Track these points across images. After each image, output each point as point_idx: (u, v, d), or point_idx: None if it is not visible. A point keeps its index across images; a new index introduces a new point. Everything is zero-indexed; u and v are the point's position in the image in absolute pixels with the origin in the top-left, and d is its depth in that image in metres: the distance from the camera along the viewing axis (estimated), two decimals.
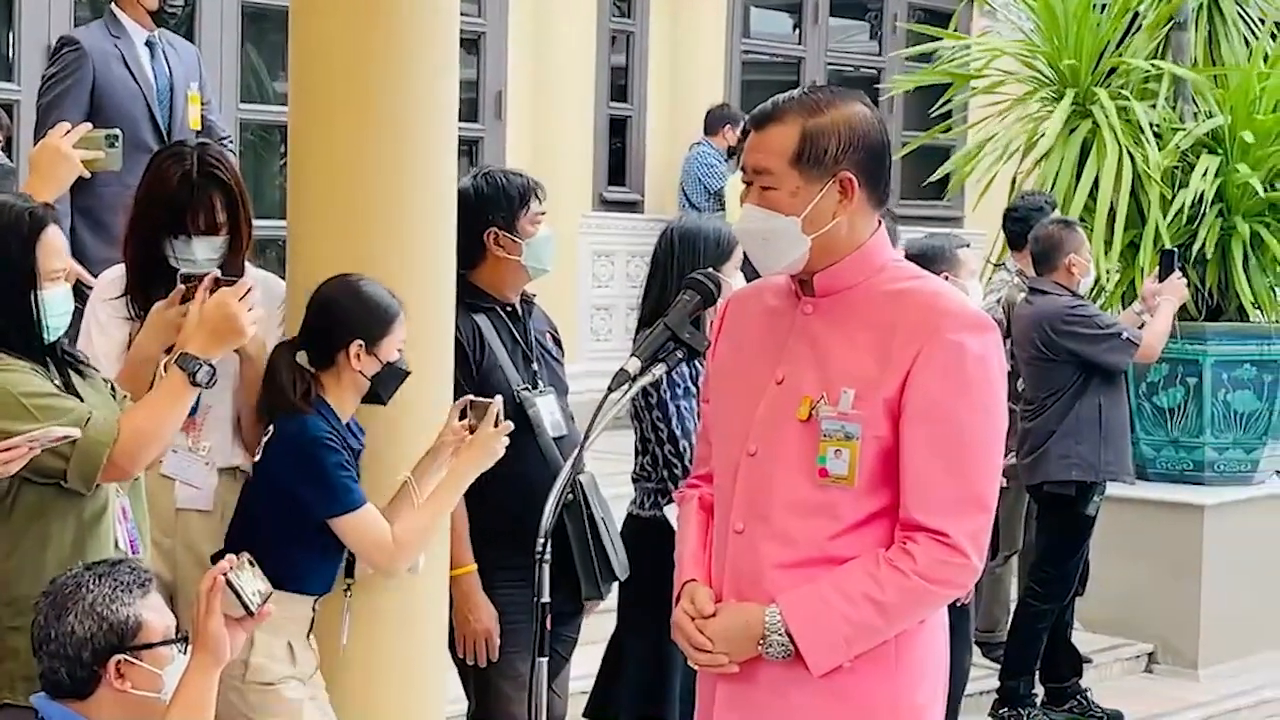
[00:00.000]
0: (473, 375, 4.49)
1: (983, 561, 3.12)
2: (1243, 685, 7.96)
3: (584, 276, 11.23)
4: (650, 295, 4.92)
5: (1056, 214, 7.55)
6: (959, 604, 5.72)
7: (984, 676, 6.91)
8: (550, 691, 4.19)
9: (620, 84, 11.90)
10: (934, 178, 9.42)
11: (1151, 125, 8.35)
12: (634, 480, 5.04)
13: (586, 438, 2.98)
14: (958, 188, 9.66)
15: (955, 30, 9.71)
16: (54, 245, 3.57)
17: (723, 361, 3.14)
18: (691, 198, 11.20)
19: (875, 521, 3.10)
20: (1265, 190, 8.30)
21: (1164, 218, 8.17)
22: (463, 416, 4.13)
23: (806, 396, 3.10)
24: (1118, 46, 8.73)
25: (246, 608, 3.33)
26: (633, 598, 4.81)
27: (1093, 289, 7.63)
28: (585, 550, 4.51)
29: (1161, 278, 7.37)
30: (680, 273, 4.62)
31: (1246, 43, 8.89)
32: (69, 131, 4.08)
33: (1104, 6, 8.78)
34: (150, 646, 3.23)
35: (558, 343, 4.87)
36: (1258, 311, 8.48)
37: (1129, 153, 8.25)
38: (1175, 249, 7.70)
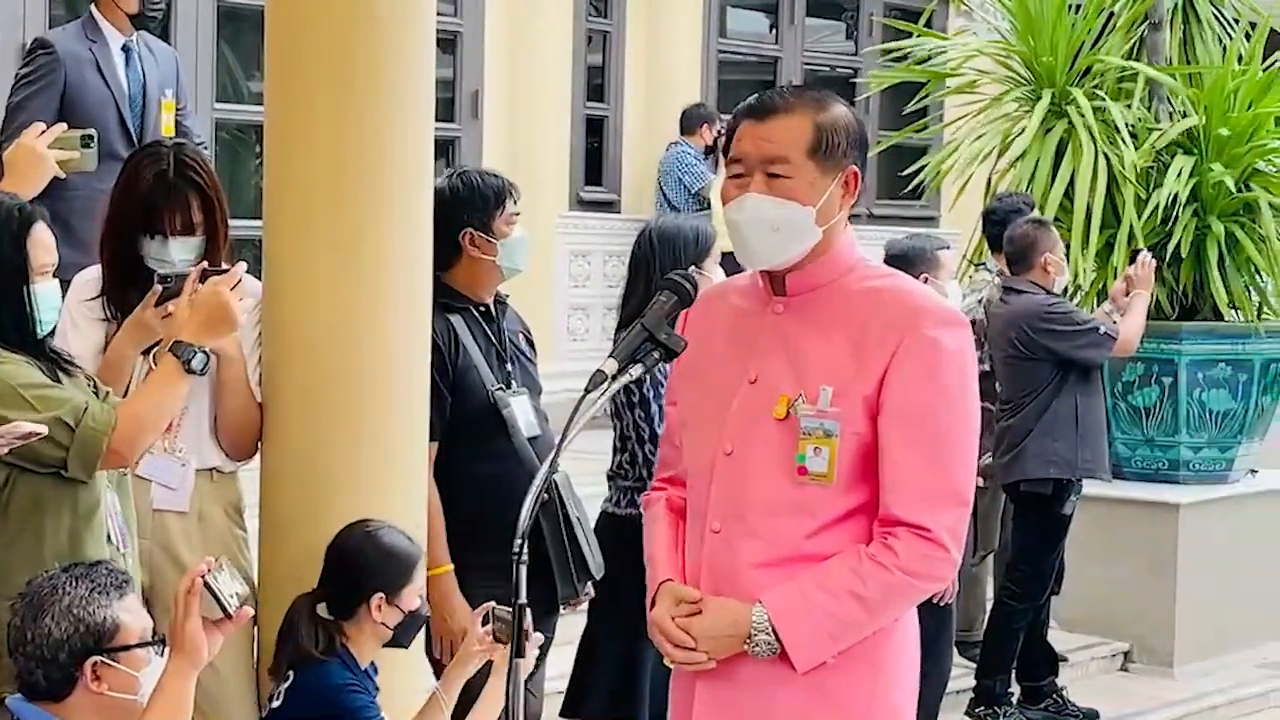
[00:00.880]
0: (448, 375, 4.49)
1: (961, 555, 3.14)
2: (1218, 683, 7.98)
3: (561, 277, 11.23)
4: (633, 296, 4.92)
5: (1034, 213, 7.57)
6: (940, 603, 5.78)
7: (961, 675, 6.92)
8: (526, 691, 4.18)
9: (597, 84, 11.90)
10: (909, 173, 9.41)
11: (1127, 125, 8.37)
12: (610, 478, 5.05)
13: (564, 438, 2.97)
14: (935, 189, 9.68)
15: (931, 30, 9.69)
16: (43, 240, 3.62)
17: (690, 363, 3.15)
18: (670, 197, 11.20)
19: (854, 518, 3.12)
20: (1240, 190, 8.33)
21: (1139, 218, 8.19)
22: (485, 622, 4.12)
23: (783, 395, 3.11)
24: (1093, 46, 8.75)
25: (225, 610, 3.33)
26: (607, 596, 4.81)
27: (1068, 288, 7.64)
28: (561, 550, 4.50)
29: None
30: (662, 272, 4.63)
31: (1221, 42, 8.92)
32: (44, 131, 4.07)
33: (1079, 7, 8.80)
34: (127, 648, 3.23)
35: (530, 343, 4.87)
36: (1232, 311, 8.50)
37: (1104, 153, 8.27)
38: (1144, 249, 7.72)
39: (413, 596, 3.98)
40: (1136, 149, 8.33)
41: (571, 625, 5.18)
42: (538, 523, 4.37)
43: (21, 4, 8.71)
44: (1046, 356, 6.95)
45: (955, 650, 6.58)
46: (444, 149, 10.56)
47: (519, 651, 2.98)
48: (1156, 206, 8.14)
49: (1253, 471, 8.68)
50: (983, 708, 7.07)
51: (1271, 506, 8.61)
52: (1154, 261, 7.50)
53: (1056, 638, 7.58)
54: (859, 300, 3.15)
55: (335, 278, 4.11)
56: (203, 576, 3.31)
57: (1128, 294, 7.35)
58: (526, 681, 3.91)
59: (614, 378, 3.01)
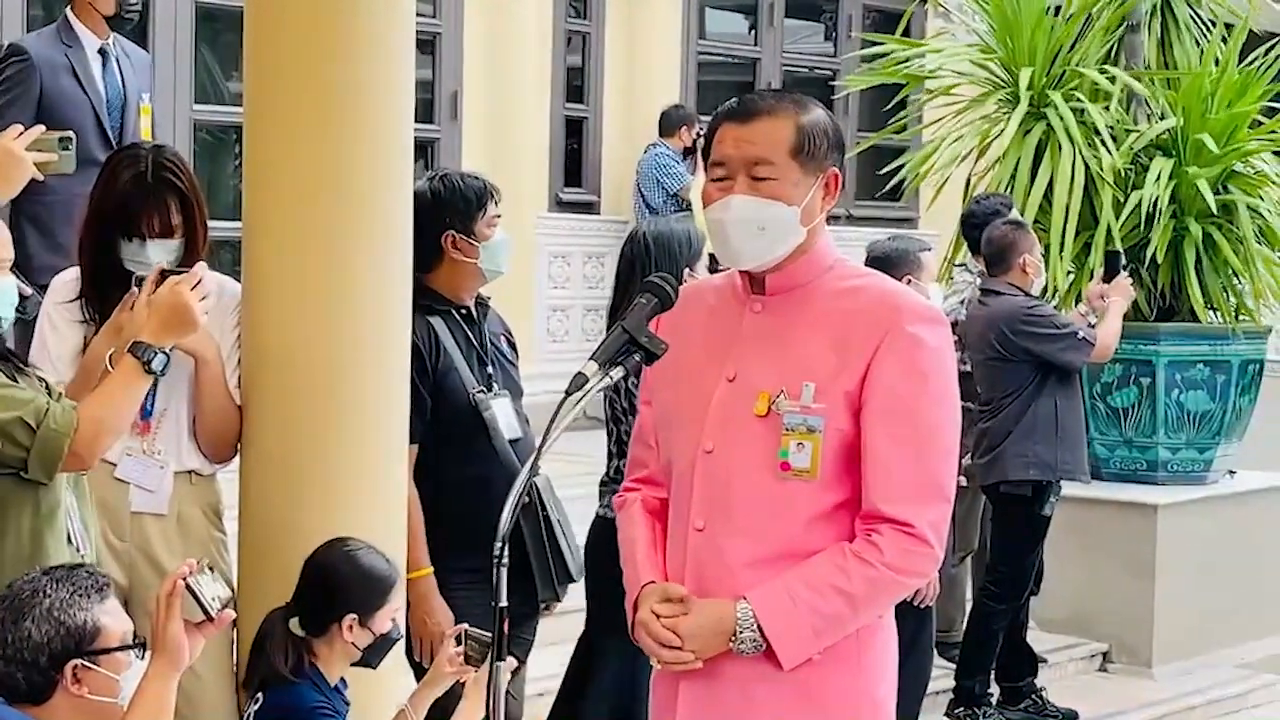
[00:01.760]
0: (429, 378, 4.48)
1: (943, 549, 3.16)
2: (1196, 684, 8.01)
3: (540, 278, 11.22)
4: (627, 299, 4.89)
5: (1014, 216, 7.58)
6: (921, 604, 5.79)
7: (940, 676, 6.93)
8: (507, 695, 4.18)
9: (576, 85, 11.90)
10: (887, 173, 9.43)
11: (1107, 128, 8.39)
12: (604, 484, 5.01)
13: (545, 441, 2.97)
14: (914, 190, 9.70)
15: (910, 33, 9.72)
16: (2, 235, 3.58)
17: (666, 362, 3.14)
18: (649, 199, 11.21)
19: (837, 514, 3.13)
20: (1220, 192, 8.35)
21: (1116, 220, 8.21)
22: (458, 643, 4.10)
23: (763, 392, 3.13)
24: (1071, 49, 8.77)
25: (206, 613, 3.32)
26: (605, 600, 4.79)
27: (1045, 290, 7.66)
28: (541, 552, 4.50)
29: (1107, 279, 7.42)
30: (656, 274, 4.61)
31: (1199, 44, 8.95)
32: (22, 133, 4.06)
33: (1058, 9, 8.82)
34: (108, 651, 3.22)
35: (512, 345, 4.86)
36: (1210, 313, 8.53)
37: (1082, 155, 8.29)
38: (1120, 250, 7.75)
39: (385, 619, 3.95)
40: (1115, 151, 8.35)
41: (553, 630, 5.17)
42: (518, 525, 4.37)
43: None
44: (1026, 358, 6.96)
45: (935, 651, 6.59)
46: (423, 150, 10.55)
47: (500, 654, 2.98)
48: (1134, 209, 8.16)
49: (1231, 472, 8.71)
50: (962, 708, 7.07)
51: (1249, 507, 8.64)
52: (1130, 280, 7.52)
53: (1035, 638, 7.59)
54: (839, 298, 3.17)
55: (314, 280, 4.10)
56: (184, 579, 3.30)
57: (1102, 296, 7.37)
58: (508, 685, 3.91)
59: (593, 380, 3.01)
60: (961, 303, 7.40)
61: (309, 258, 4.10)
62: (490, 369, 4.65)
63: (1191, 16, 9.04)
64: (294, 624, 3.93)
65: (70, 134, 4.15)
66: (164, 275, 3.87)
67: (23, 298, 4.27)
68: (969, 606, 7.38)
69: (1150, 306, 8.51)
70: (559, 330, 11.34)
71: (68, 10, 6.51)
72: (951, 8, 9.96)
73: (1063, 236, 8.19)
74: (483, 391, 4.58)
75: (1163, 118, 8.54)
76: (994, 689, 7.19)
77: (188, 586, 3.30)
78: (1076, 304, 7.95)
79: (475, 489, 4.43)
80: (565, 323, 11.41)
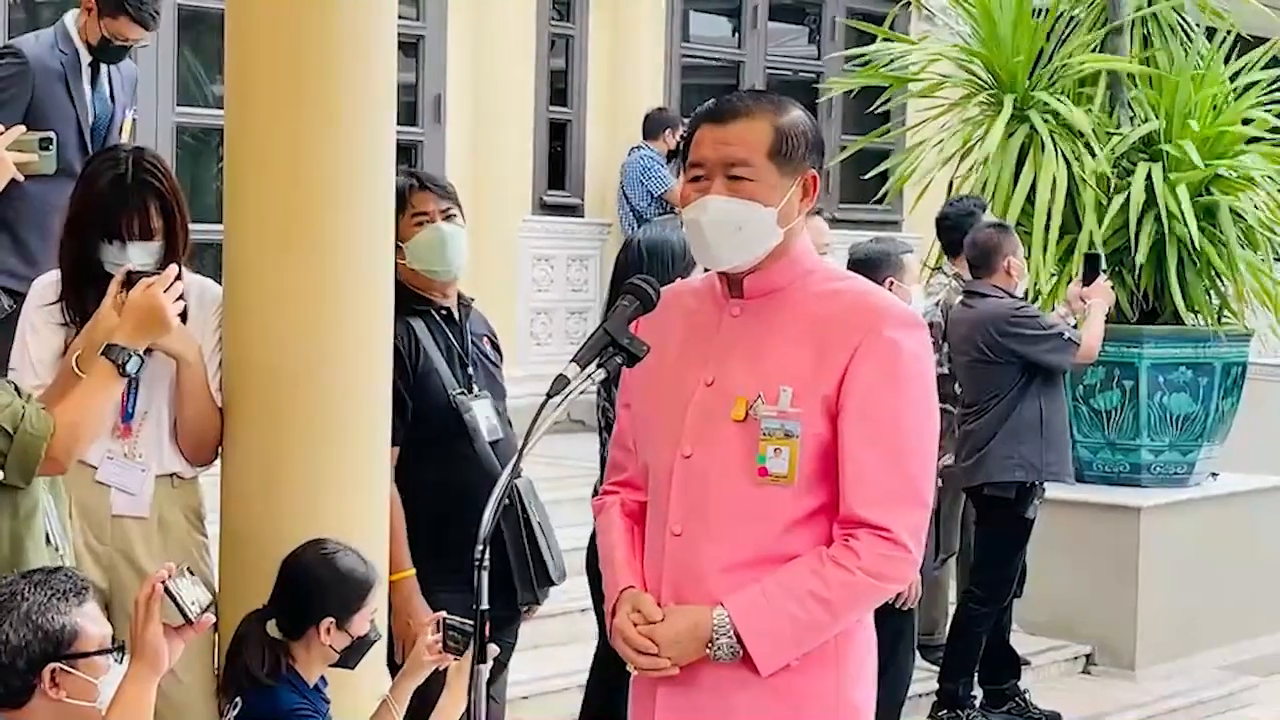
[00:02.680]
0: (409, 379, 4.47)
1: (921, 554, 3.15)
2: (1179, 686, 8.02)
3: (524, 280, 11.20)
4: None
5: (989, 217, 7.59)
6: (903, 607, 5.79)
7: (923, 679, 6.94)
8: (489, 697, 4.17)
9: (560, 88, 11.88)
10: (871, 177, 9.43)
11: (1090, 130, 8.40)
12: (597, 492, 4.97)
13: (526, 443, 2.97)
14: (897, 192, 9.70)
15: (894, 34, 9.72)
16: None
17: (645, 366, 3.13)
18: (634, 202, 11.19)
19: (815, 519, 3.13)
20: (1201, 194, 8.36)
21: (1099, 222, 8.22)
22: (435, 631, 4.08)
23: (741, 397, 3.12)
24: (1054, 51, 8.78)
25: (186, 617, 3.32)
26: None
27: (1028, 293, 7.67)
28: (521, 555, 4.48)
29: (1086, 281, 7.44)
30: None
31: (1183, 48, 8.95)
32: (2, 134, 4.04)
33: (1044, 11, 8.83)
34: (86, 655, 3.20)
35: (496, 347, 4.85)
36: (1193, 315, 8.54)
37: (1065, 158, 8.30)
38: (1099, 253, 7.76)
39: (364, 622, 3.93)
40: (1098, 154, 8.36)
41: (536, 633, 5.17)
42: (498, 528, 4.36)
43: None
44: (1012, 360, 6.97)
45: (918, 654, 6.60)
46: (406, 153, 10.53)
47: (481, 657, 2.97)
48: (1117, 211, 8.17)
49: (1213, 475, 8.73)
50: (945, 711, 7.08)
51: (1232, 509, 8.66)
52: (1110, 283, 7.54)
53: (1018, 640, 7.60)
54: (817, 302, 3.17)
55: (296, 282, 4.09)
56: (164, 582, 3.29)
57: (1082, 298, 7.39)
58: (488, 686, 3.91)
59: (575, 382, 3.01)
60: (937, 304, 7.40)
61: (290, 260, 4.09)
62: (471, 370, 4.63)
63: (1176, 20, 9.04)
64: (271, 626, 3.92)
65: (51, 135, 4.14)
66: (130, 277, 3.85)
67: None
68: (952, 609, 7.38)
69: (1133, 309, 8.53)
70: (542, 333, 11.33)
71: (66, 18, 6.46)
72: (935, 10, 9.97)
73: (1045, 239, 8.20)
74: (463, 393, 4.56)
75: (1146, 121, 8.55)
76: (977, 691, 7.20)
77: (167, 590, 3.29)
78: (1053, 307, 7.97)
79: (454, 491, 4.42)
80: (548, 325, 11.39)
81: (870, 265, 6.18)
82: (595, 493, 4.94)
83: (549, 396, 2.98)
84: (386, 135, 4.24)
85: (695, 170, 3.17)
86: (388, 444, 4.28)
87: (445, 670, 4.08)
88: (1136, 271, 8.37)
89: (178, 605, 3.30)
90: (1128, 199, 8.22)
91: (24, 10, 9.13)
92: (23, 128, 4.15)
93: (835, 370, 3.09)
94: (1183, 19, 9.06)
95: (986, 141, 8.46)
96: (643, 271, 4.78)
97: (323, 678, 3.96)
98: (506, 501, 4.26)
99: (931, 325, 6.61)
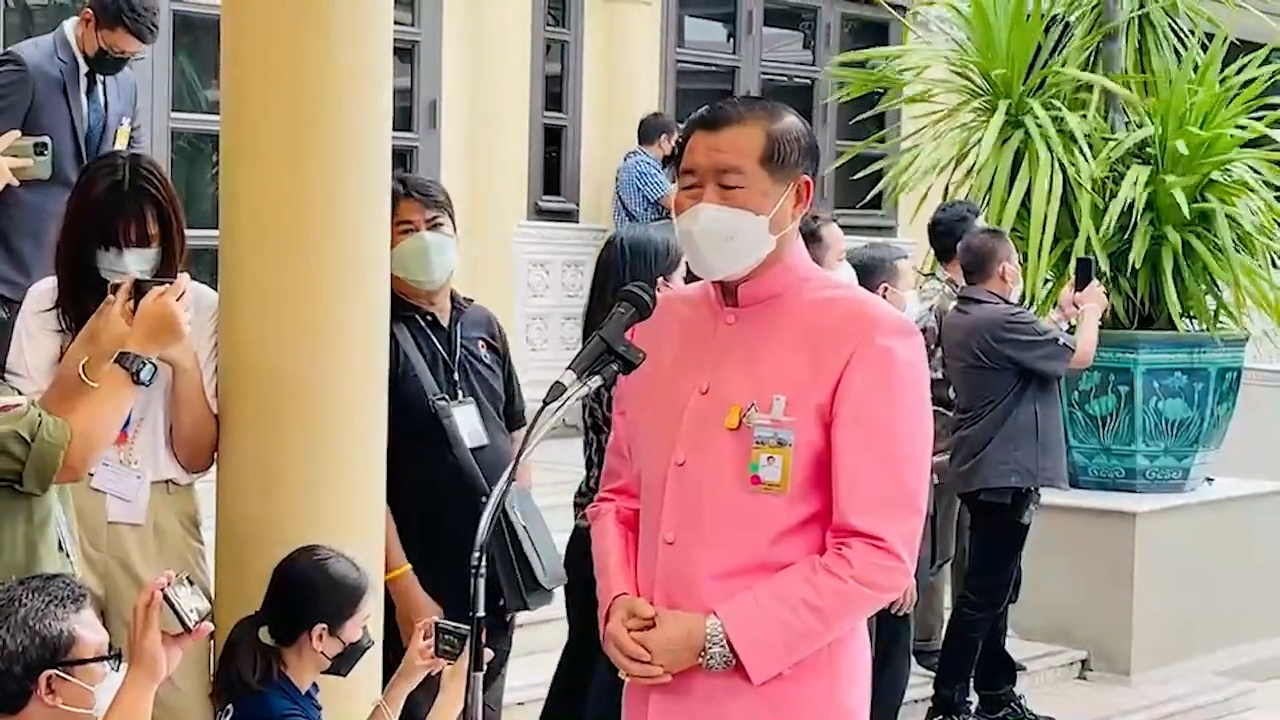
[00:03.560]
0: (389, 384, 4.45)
1: (915, 563, 3.15)
2: (1174, 691, 8.03)
3: (519, 286, 11.21)
4: (601, 306, 4.85)
5: (980, 222, 7.60)
6: (898, 612, 5.79)
7: (919, 684, 6.94)
8: (485, 706, 4.17)
9: (555, 93, 11.88)
10: (862, 178, 9.43)
11: (1084, 136, 8.40)
12: (583, 493, 4.97)
13: (522, 450, 2.97)
14: (894, 200, 9.70)
15: (888, 42, 9.74)
16: None
17: (640, 373, 3.12)
18: (630, 207, 11.19)
19: (808, 527, 3.12)
20: (1196, 200, 8.37)
21: (1095, 228, 8.22)
22: (427, 636, 4.08)
23: (735, 405, 3.12)
24: (1050, 57, 8.79)
25: (184, 624, 3.32)
26: (588, 611, 4.76)
27: (1023, 298, 7.68)
28: (507, 562, 4.45)
29: (1079, 286, 7.45)
30: (632, 282, 4.58)
31: (1177, 53, 8.96)
32: None
33: (1044, 17, 8.83)
34: (83, 663, 3.20)
35: (495, 347, 4.81)
36: (1186, 320, 8.54)
37: (1061, 163, 8.30)
38: (1092, 258, 7.77)
39: (356, 628, 3.93)
40: (1093, 159, 8.37)
41: (531, 640, 5.16)
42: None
43: None
44: (1007, 366, 6.97)
45: (914, 659, 6.60)
46: (402, 158, 10.53)
47: (478, 665, 2.97)
48: (1112, 217, 8.18)
49: (1209, 480, 8.73)
50: (941, 717, 7.07)
51: (1227, 514, 8.67)
52: (1102, 288, 7.56)
53: (1014, 646, 7.60)
54: (812, 310, 3.16)
55: (292, 288, 4.09)
56: (163, 590, 3.29)
57: (1075, 304, 7.41)
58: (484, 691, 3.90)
59: (571, 389, 3.01)
60: (930, 310, 7.40)
61: (286, 266, 4.09)
62: (457, 376, 4.61)
63: (1170, 26, 9.06)
64: (263, 633, 3.92)
65: (46, 140, 4.15)
66: (138, 285, 3.85)
67: None
68: (947, 614, 7.38)
69: (1129, 314, 8.53)
70: (538, 338, 11.33)
71: (66, 29, 6.45)
72: (930, 16, 9.98)
73: (1041, 244, 8.21)
74: (444, 399, 4.55)
75: (1141, 126, 8.56)
76: (973, 697, 7.20)
77: (165, 598, 3.29)
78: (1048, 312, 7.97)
79: (431, 496, 4.43)
80: (544, 331, 11.39)
81: (865, 271, 6.19)
82: (580, 492, 4.98)
83: (545, 404, 2.98)
84: (382, 140, 4.24)
85: (688, 177, 3.17)
86: (383, 448, 4.28)
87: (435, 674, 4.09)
88: (1133, 275, 8.37)
89: (176, 613, 3.30)
90: (1122, 204, 8.22)
91: (19, 15, 9.12)
92: (17, 133, 4.17)
93: (829, 378, 3.08)
94: (1175, 24, 9.07)
95: (980, 147, 8.47)
96: (624, 270, 4.80)
97: (315, 684, 3.96)
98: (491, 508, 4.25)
99: (925, 330, 6.61)
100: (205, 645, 4.03)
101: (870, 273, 6.17)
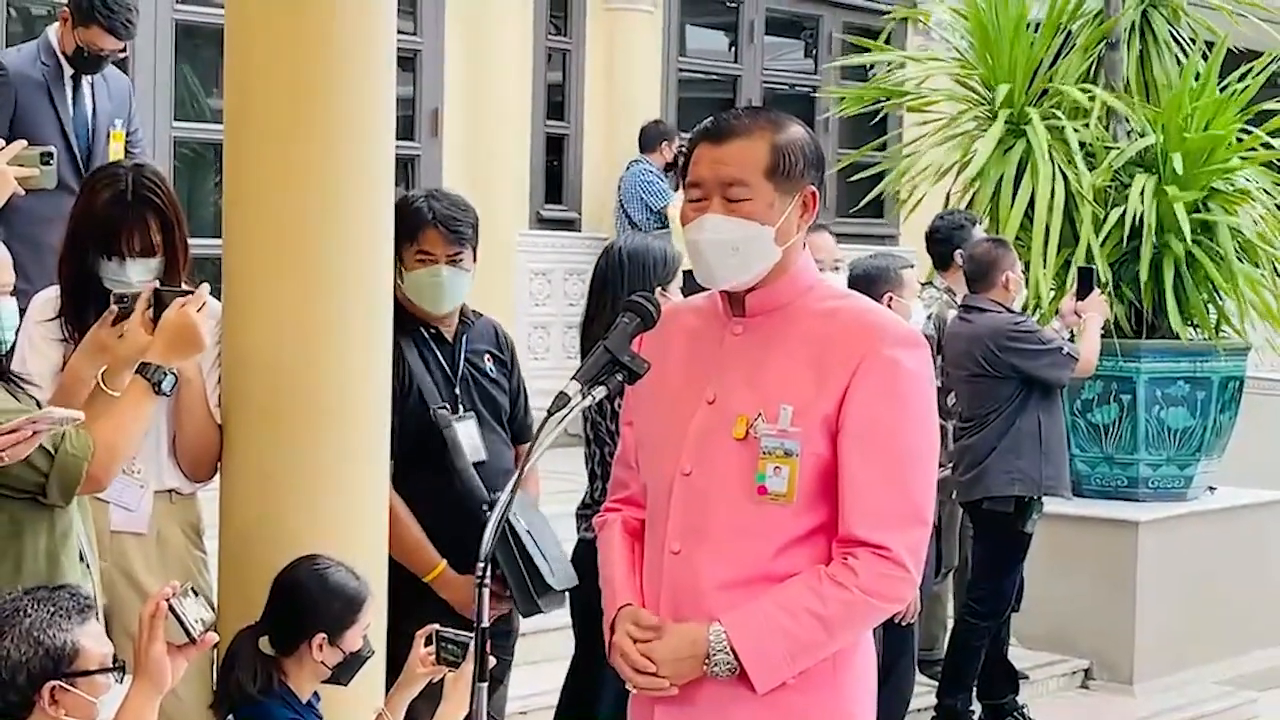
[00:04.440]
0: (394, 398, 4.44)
1: (920, 574, 3.14)
2: (1177, 700, 8.02)
3: (521, 295, 11.22)
4: (599, 314, 4.85)
5: (978, 231, 7.59)
6: (903, 622, 5.79)
7: (922, 694, 6.93)
8: (489, 715, 4.16)
9: (557, 102, 11.89)
10: (862, 181, 9.43)
11: (1085, 145, 8.40)
12: (586, 505, 4.97)
13: (526, 460, 2.96)
14: (898, 209, 9.69)
15: (890, 49, 9.73)
16: (3, 258, 3.57)
17: (647, 384, 3.13)
18: (633, 216, 11.20)
19: (814, 538, 3.12)
20: (1200, 209, 8.36)
21: (1097, 237, 8.22)
22: (428, 643, 4.08)
23: (742, 415, 3.12)
24: (1051, 66, 8.79)
25: (189, 635, 3.31)
26: (593, 622, 4.76)
27: (1025, 307, 7.68)
28: (515, 569, 4.45)
29: (1080, 295, 7.45)
30: (629, 292, 4.58)
31: (1178, 62, 8.97)
32: (3, 149, 4.04)
33: (1038, 26, 8.84)
34: (86, 674, 3.19)
35: (503, 362, 4.80)
36: (1190, 329, 8.54)
37: (1062, 172, 8.30)
38: (1093, 267, 7.77)
39: (356, 638, 3.91)
40: (1094, 168, 8.37)
41: (536, 647, 5.16)
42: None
43: None
44: (1011, 375, 6.97)
45: (917, 669, 6.59)
46: (404, 167, 10.54)
47: (481, 675, 2.97)
48: (1114, 226, 8.17)
49: (1211, 489, 8.72)
50: None
51: (1230, 524, 8.65)
52: (1103, 297, 7.56)
53: (1017, 655, 7.59)
54: (818, 320, 3.16)
55: (295, 297, 4.09)
56: (168, 600, 3.29)
57: (1076, 313, 7.40)
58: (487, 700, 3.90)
59: (576, 400, 3.00)
60: (929, 318, 7.40)
61: (289, 275, 4.09)
62: (459, 390, 4.61)
63: (1171, 34, 9.06)
64: (263, 643, 3.91)
65: (52, 149, 4.15)
66: (159, 295, 3.85)
67: None
68: (950, 624, 7.38)
69: (1131, 323, 8.53)
70: (539, 347, 11.33)
71: (49, 30, 6.46)
72: (932, 24, 9.98)
73: (1044, 254, 8.20)
74: (444, 407, 4.55)
75: (1143, 135, 8.56)
76: (976, 706, 7.19)
77: (171, 608, 3.29)
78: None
79: (429, 508, 4.42)
80: (546, 339, 11.40)
81: (869, 281, 6.18)
82: (583, 504, 4.98)
83: (549, 414, 2.98)
84: (385, 149, 4.24)
85: (694, 190, 3.17)
86: (386, 458, 4.28)
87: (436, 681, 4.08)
88: (1135, 284, 8.36)
89: (181, 623, 3.30)
90: (1124, 213, 8.21)
91: (21, 24, 9.12)
92: (23, 142, 4.16)
93: (836, 389, 3.08)
94: (1176, 33, 9.07)
95: (978, 155, 8.46)
96: (621, 279, 4.80)
97: (316, 694, 3.95)
98: (488, 515, 4.25)
99: (925, 337, 6.60)
100: (208, 657, 4.02)
101: (874, 282, 6.16)
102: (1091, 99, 8.54)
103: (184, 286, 3.97)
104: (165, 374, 3.73)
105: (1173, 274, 8.31)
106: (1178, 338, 8.45)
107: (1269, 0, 9.26)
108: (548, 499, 4.76)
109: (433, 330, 4.63)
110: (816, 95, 12.84)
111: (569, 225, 11.85)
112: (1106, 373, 8.07)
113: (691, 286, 3.51)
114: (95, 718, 3.20)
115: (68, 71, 6.37)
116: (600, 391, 3.03)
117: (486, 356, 4.73)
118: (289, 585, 3.92)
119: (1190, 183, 8.32)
